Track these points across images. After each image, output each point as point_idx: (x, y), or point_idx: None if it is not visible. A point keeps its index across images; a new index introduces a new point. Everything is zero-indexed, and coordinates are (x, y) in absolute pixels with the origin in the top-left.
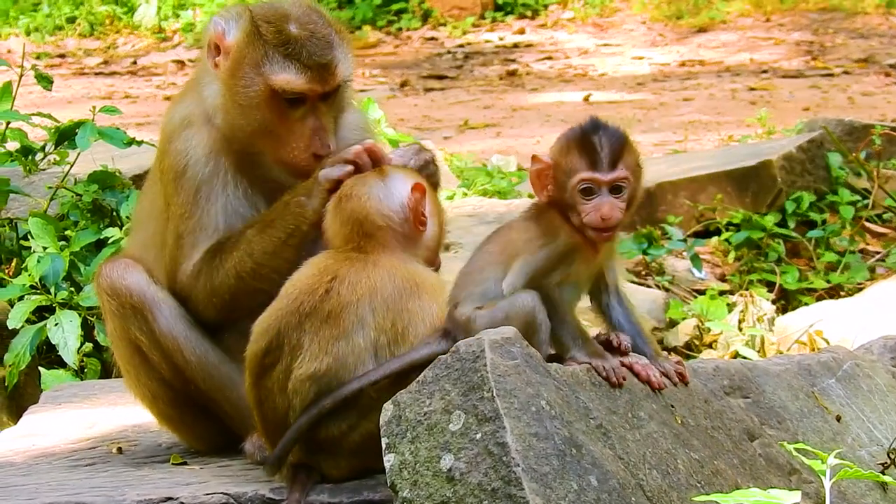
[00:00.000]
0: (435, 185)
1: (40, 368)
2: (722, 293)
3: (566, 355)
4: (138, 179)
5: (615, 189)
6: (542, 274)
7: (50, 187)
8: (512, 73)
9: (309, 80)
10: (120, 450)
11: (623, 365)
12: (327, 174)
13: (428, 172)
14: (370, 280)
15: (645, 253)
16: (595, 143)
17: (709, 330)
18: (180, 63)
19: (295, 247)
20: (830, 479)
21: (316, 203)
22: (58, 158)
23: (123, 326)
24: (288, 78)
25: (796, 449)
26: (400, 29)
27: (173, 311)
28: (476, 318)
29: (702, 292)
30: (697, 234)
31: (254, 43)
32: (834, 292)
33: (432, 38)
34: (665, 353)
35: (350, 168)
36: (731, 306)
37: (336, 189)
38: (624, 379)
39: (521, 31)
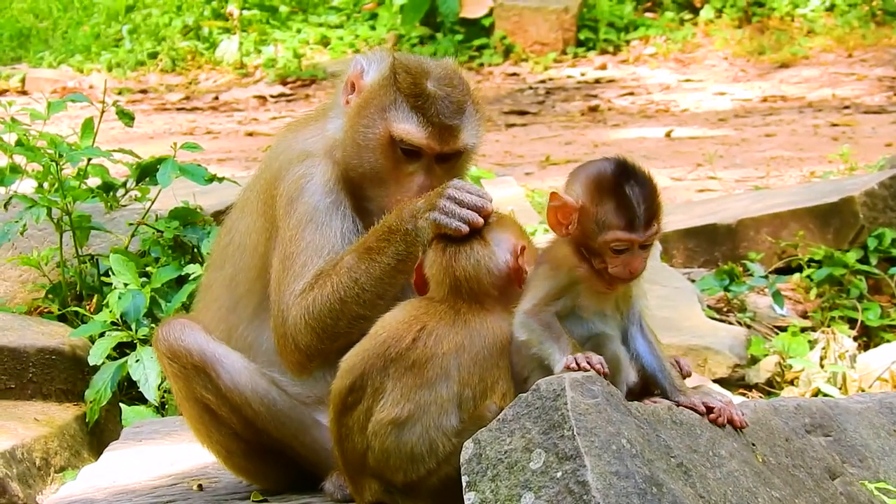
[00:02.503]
0: None
1: (121, 405)
2: (803, 330)
3: (554, 369)
4: (219, 216)
5: (645, 245)
6: (545, 303)
7: (131, 224)
8: (594, 109)
9: (428, 137)
10: (201, 487)
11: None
12: (443, 222)
13: None
14: (458, 337)
15: (726, 289)
16: (632, 199)
17: (790, 367)
18: (262, 99)
19: (403, 272)
20: None
21: (425, 237)
22: (139, 195)
23: (188, 387)
24: (409, 129)
25: (878, 488)
26: (482, 64)
27: (235, 365)
28: None
29: (783, 329)
30: (779, 271)
31: (386, 87)
32: None
33: (514, 74)
34: (700, 387)
35: (466, 230)
36: (812, 343)
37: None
38: (604, 366)
39: (603, 67)
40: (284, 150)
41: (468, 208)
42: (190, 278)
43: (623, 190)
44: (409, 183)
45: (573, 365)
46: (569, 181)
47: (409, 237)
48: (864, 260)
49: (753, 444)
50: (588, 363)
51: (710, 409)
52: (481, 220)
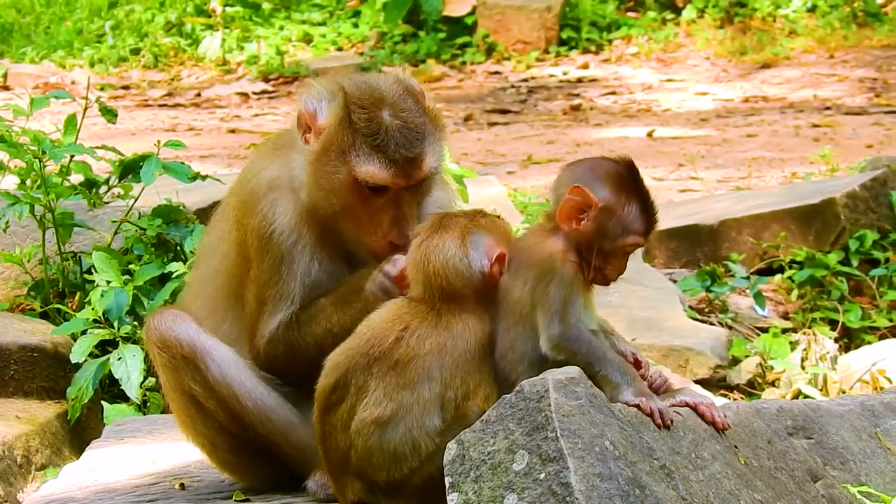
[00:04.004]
0: None
1: (103, 402)
2: (785, 331)
3: (615, 394)
4: (202, 213)
5: None
6: (572, 314)
7: (114, 221)
8: (576, 108)
9: (393, 175)
10: (183, 486)
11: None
12: (382, 286)
13: None
14: (440, 339)
15: (708, 290)
16: (653, 206)
17: (771, 368)
18: (244, 95)
19: None
20: None
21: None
22: (122, 192)
23: (177, 378)
24: (372, 170)
25: (860, 492)
26: (464, 63)
27: (225, 357)
28: None
29: (765, 330)
30: (761, 272)
31: (344, 129)
32: None
33: (496, 73)
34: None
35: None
36: (793, 344)
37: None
38: (671, 421)
39: (585, 66)
40: (257, 173)
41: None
42: (173, 276)
43: (646, 196)
44: (382, 216)
45: (644, 407)
46: (585, 176)
47: (374, 298)
48: (845, 261)
49: (736, 447)
50: (660, 415)
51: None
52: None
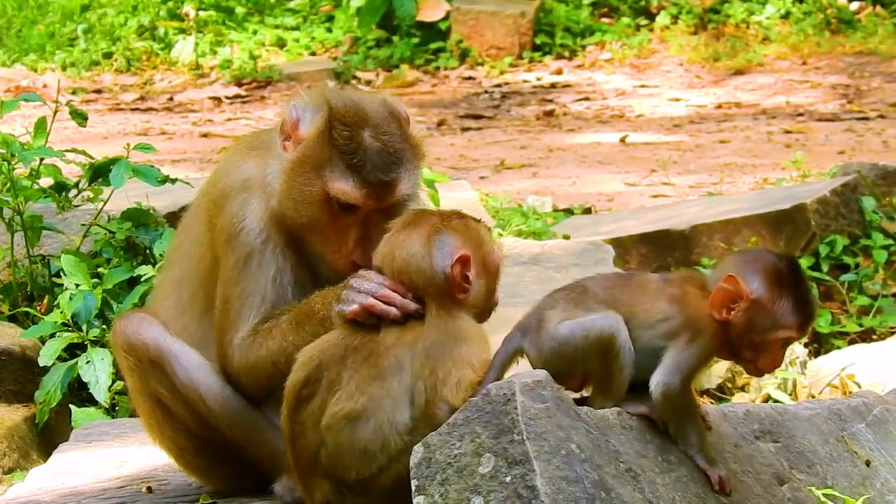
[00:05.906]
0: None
1: (71, 406)
2: None
3: (687, 451)
4: (172, 217)
5: None
6: (695, 374)
7: (83, 224)
8: (549, 114)
9: (365, 196)
10: (150, 489)
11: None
12: (344, 310)
13: None
14: (411, 328)
15: None
16: (809, 301)
17: (741, 372)
18: (217, 100)
19: None
20: None
21: (337, 324)
22: (91, 195)
23: (143, 381)
24: (345, 188)
25: (825, 494)
26: (437, 68)
27: (192, 361)
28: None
29: None
30: None
31: (323, 143)
32: (866, 336)
33: (470, 78)
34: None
35: (365, 314)
36: None
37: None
38: (731, 489)
39: (559, 72)
40: (230, 172)
41: (364, 293)
42: (142, 280)
43: (802, 291)
44: (348, 235)
45: (713, 477)
46: (742, 267)
47: (326, 322)
48: (815, 267)
49: None
50: (721, 483)
51: None
52: (374, 301)
